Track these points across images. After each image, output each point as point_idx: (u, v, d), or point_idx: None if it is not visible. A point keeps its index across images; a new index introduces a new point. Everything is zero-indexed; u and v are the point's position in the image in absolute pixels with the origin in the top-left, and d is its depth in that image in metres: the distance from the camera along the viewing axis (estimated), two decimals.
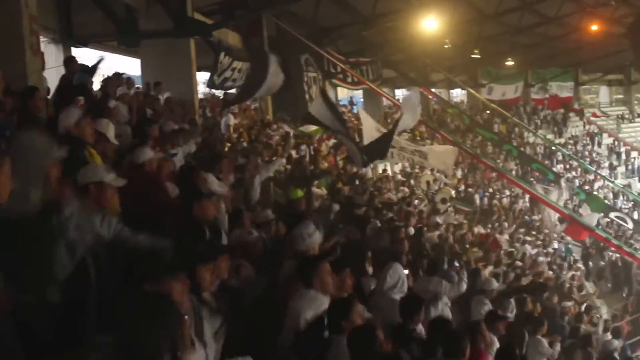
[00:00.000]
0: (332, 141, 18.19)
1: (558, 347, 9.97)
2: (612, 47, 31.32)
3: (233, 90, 16.48)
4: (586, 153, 36.51)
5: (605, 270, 22.02)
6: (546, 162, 30.19)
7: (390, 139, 11.26)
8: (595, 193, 27.19)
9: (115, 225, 4.23)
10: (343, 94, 33.00)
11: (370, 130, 12.74)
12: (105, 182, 4.44)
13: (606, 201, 27.00)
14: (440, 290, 8.42)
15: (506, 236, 19.96)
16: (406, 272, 7.64)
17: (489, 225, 21.38)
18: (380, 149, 11.55)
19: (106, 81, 10.65)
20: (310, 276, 4.80)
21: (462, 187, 24.20)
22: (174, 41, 14.40)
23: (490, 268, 14.32)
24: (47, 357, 3.47)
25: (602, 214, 20.61)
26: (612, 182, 31.87)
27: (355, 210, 11.21)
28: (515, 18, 29.26)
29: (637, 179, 36.12)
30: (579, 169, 33.01)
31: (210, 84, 15.29)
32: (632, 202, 31.00)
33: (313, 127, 15.21)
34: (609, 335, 13.68)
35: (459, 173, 24.72)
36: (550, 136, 36.09)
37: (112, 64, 16.77)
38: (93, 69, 9.69)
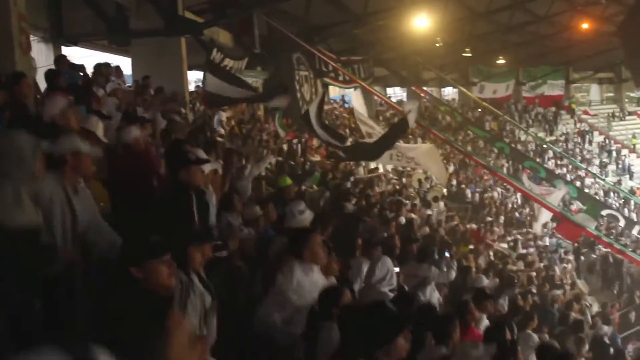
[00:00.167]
0: None
1: (546, 338, 10.00)
2: (602, 46, 31.46)
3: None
4: (577, 150, 36.67)
5: (596, 264, 22.15)
6: (538, 159, 30.28)
7: (387, 145, 11.32)
8: (586, 190, 27.33)
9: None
10: (335, 92, 33.00)
11: (365, 127, 12.79)
12: (82, 152, 4.44)
13: (597, 197, 27.20)
14: (429, 276, 8.46)
15: (497, 236, 20.01)
16: (397, 269, 7.70)
17: (482, 224, 21.44)
18: (373, 150, 11.64)
19: (95, 70, 10.64)
20: (301, 248, 4.84)
21: (454, 182, 24.25)
22: (165, 40, 14.38)
23: (480, 260, 14.40)
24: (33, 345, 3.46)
25: (596, 221, 20.62)
26: (603, 180, 32.05)
27: (345, 204, 11.20)
28: (506, 16, 29.37)
29: (627, 176, 36.31)
30: (570, 166, 33.16)
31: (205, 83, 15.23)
32: (623, 200, 31.19)
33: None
34: (598, 322, 13.77)
35: (451, 168, 24.76)
36: (541, 134, 36.22)
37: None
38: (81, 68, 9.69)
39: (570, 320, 11.45)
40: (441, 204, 19.71)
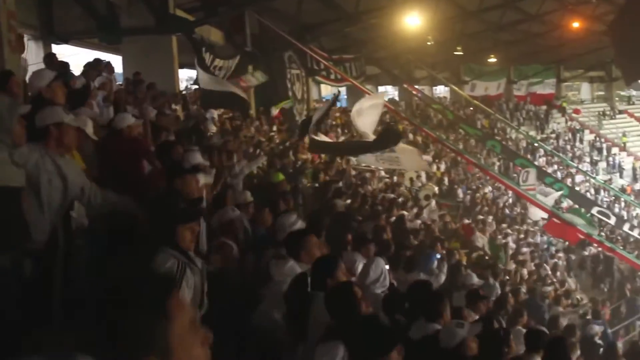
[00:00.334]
0: None
1: None
2: (593, 45, 31.58)
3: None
4: (568, 148, 36.83)
5: (587, 261, 22.26)
6: (529, 157, 30.41)
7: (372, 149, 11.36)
8: (577, 189, 27.45)
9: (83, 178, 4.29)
10: (327, 91, 33.04)
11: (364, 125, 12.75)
12: (64, 123, 4.43)
13: (588, 194, 27.38)
14: None
15: (487, 236, 20.05)
16: (387, 267, 7.70)
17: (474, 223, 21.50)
18: (357, 148, 11.70)
19: (87, 68, 10.62)
20: (298, 249, 4.88)
21: (446, 181, 24.28)
22: (156, 38, 14.36)
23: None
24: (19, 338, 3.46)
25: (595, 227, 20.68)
26: (594, 178, 32.23)
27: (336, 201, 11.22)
28: (497, 15, 29.48)
29: (618, 174, 36.50)
30: (561, 165, 33.30)
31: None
32: (613, 197, 31.37)
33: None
34: (589, 321, 13.73)
35: (442, 167, 24.80)
36: (532, 132, 36.36)
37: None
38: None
39: (560, 325, 11.41)
40: (433, 202, 19.73)
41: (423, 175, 21.89)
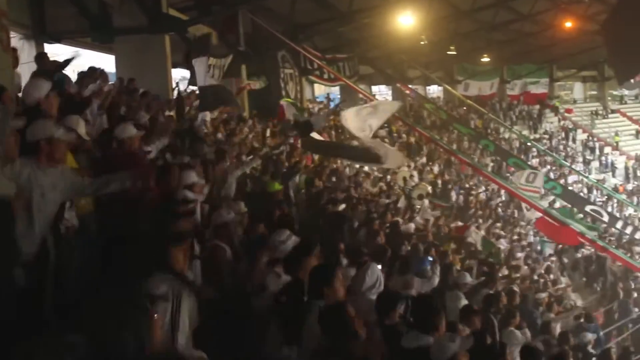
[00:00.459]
0: None
1: (528, 333, 10.01)
2: (586, 44, 31.66)
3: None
4: (561, 147, 36.92)
5: (580, 262, 22.31)
6: (522, 156, 30.47)
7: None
8: (570, 188, 27.51)
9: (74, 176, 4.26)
10: (320, 90, 33.02)
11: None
12: (55, 137, 4.40)
13: (581, 194, 27.44)
14: (413, 287, 8.47)
15: (482, 232, 20.08)
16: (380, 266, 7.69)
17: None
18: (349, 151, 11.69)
19: (81, 77, 10.55)
20: (296, 269, 4.89)
21: (440, 182, 24.29)
22: (149, 37, 14.29)
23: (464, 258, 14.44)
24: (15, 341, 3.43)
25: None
26: (587, 177, 32.33)
27: (331, 206, 11.20)
28: (490, 15, 29.54)
29: (610, 174, 36.62)
30: (554, 164, 33.39)
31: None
32: (606, 196, 31.47)
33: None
34: (582, 319, 13.70)
35: (436, 169, 24.81)
36: (525, 132, 36.43)
37: (86, 60, 16.57)
38: (65, 64, 9.57)
39: (552, 331, 11.37)
40: (426, 201, 19.74)
41: (416, 175, 21.90)
